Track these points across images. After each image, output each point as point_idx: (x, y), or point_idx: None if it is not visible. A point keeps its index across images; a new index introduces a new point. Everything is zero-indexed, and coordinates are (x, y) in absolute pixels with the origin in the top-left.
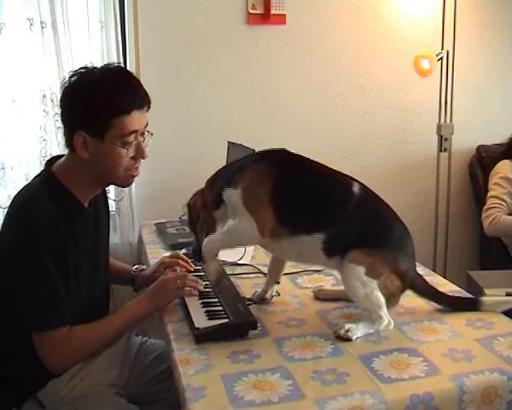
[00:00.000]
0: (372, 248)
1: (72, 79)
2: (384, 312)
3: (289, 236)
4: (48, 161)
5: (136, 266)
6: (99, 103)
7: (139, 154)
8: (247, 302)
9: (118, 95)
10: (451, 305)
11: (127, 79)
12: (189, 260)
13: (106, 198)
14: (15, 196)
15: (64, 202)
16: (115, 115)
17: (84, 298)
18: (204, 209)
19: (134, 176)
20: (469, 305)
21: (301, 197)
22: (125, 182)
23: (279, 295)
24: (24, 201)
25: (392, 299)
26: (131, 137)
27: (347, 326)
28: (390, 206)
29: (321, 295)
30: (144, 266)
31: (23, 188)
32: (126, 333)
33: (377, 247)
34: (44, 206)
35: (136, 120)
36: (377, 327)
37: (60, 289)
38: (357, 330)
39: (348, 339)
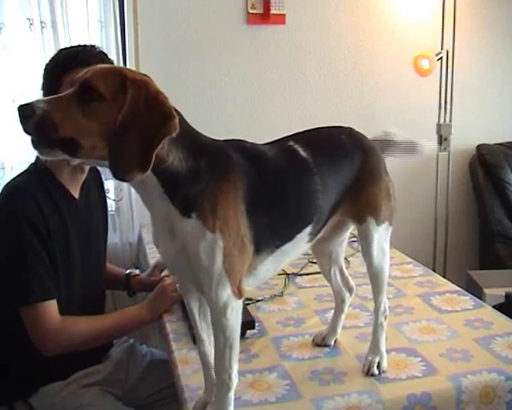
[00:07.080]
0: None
1: None
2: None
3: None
4: None
5: (128, 271)
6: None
7: None
8: (246, 302)
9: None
10: None
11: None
12: None
13: (104, 198)
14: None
15: (50, 185)
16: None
17: (78, 292)
18: None
19: None
20: None
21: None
22: None
23: (282, 295)
24: (9, 184)
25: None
26: None
27: (375, 360)
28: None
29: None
30: (137, 271)
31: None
32: (119, 334)
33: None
34: (26, 186)
35: None
36: (384, 314)
37: (42, 264)
38: (383, 357)
39: (384, 372)
